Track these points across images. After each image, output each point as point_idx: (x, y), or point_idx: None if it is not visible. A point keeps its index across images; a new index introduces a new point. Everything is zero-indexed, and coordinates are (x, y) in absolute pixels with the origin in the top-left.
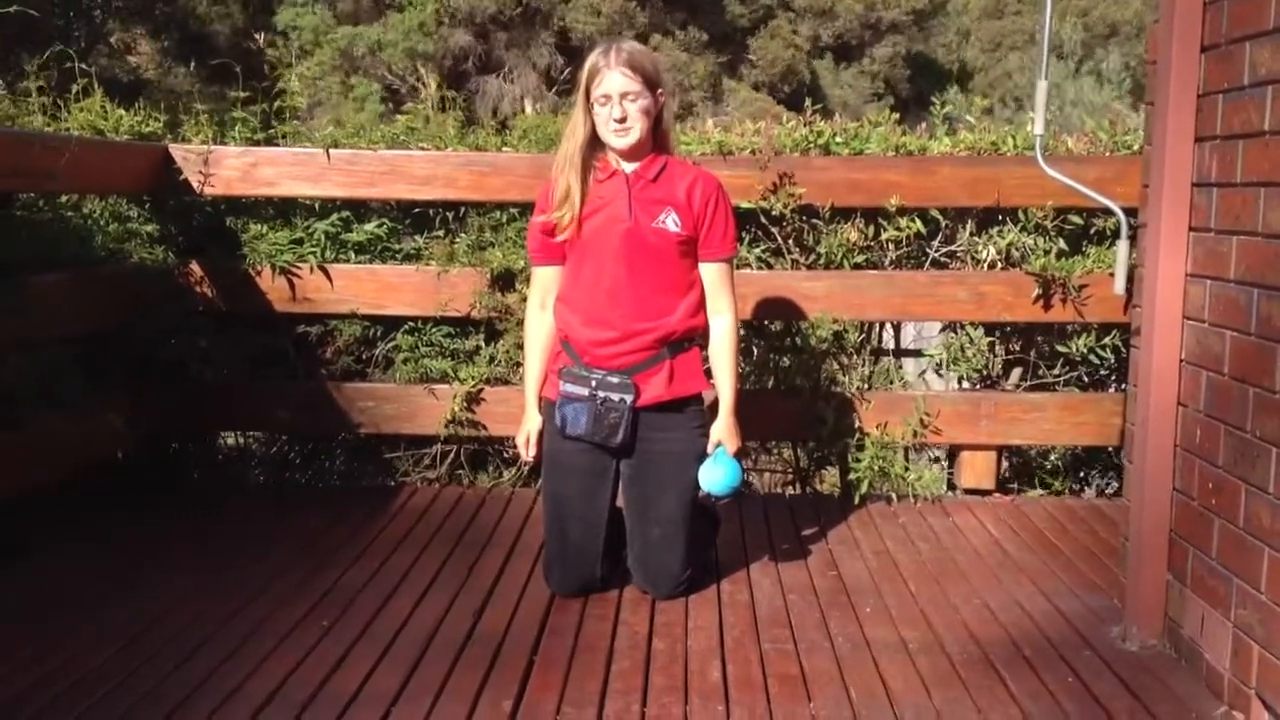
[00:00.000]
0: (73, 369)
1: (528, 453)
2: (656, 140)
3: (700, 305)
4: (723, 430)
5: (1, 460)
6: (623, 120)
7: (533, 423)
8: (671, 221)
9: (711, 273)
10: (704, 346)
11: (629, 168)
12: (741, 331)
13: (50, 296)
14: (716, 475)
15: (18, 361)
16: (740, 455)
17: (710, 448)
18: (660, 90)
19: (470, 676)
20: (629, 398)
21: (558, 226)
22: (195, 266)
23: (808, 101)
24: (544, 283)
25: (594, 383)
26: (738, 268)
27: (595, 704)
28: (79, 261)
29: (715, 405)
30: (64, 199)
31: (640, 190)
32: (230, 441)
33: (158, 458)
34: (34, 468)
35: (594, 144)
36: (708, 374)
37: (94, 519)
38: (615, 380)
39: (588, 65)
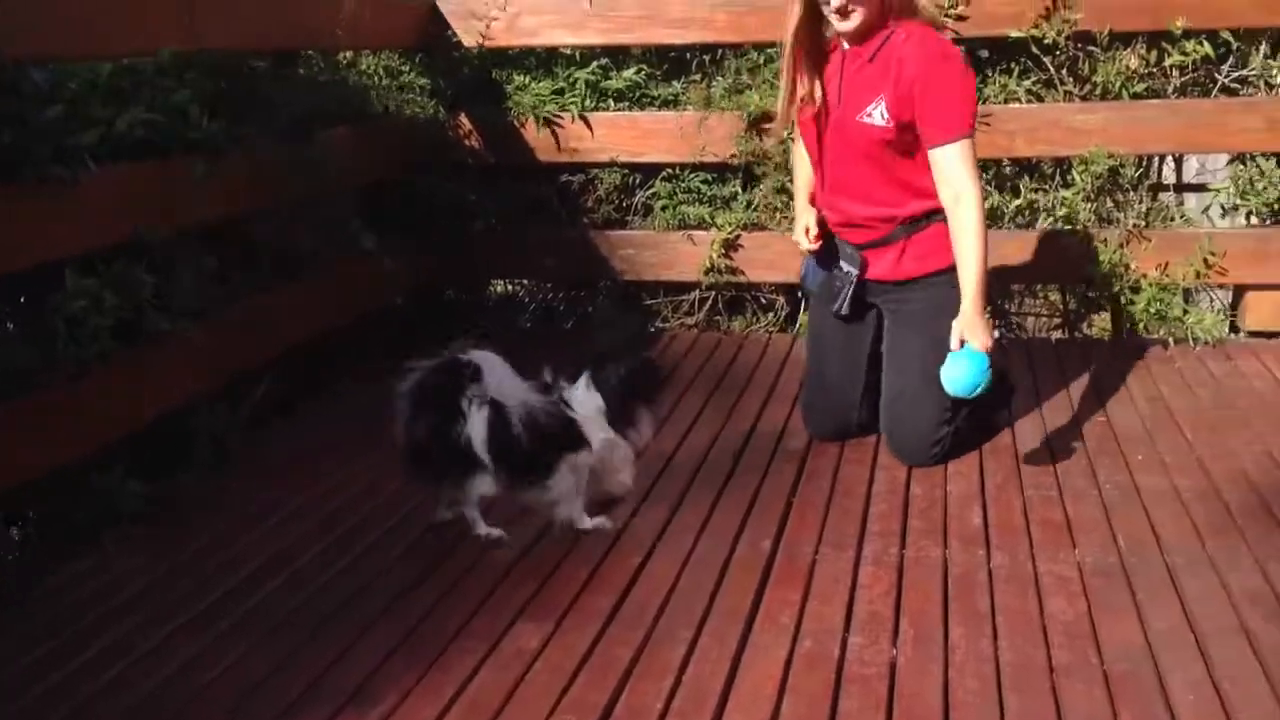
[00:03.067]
0: (358, 220)
1: (808, 240)
2: (893, 4)
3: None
4: (964, 324)
5: (295, 308)
6: (842, 10)
7: (807, 215)
8: (879, 114)
9: (938, 158)
10: None
11: (848, 46)
12: (1008, 169)
13: (337, 151)
14: (956, 373)
15: (310, 213)
16: (994, 351)
17: (954, 344)
18: None
19: (730, 517)
20: (855, 271)
21: (785, 114)
22: (464, 119)
23: None
24: None
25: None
26: (1004, 102)
27: (853, 546)
28: (360, 117)
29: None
30: (341, 57)
31: (854, 73)
32: (499, 289)
33: (434, 304)
34: (327, 313)
35: (816, 19)
36: None
37: (384, 359)
38: (849, 250)
39: None
